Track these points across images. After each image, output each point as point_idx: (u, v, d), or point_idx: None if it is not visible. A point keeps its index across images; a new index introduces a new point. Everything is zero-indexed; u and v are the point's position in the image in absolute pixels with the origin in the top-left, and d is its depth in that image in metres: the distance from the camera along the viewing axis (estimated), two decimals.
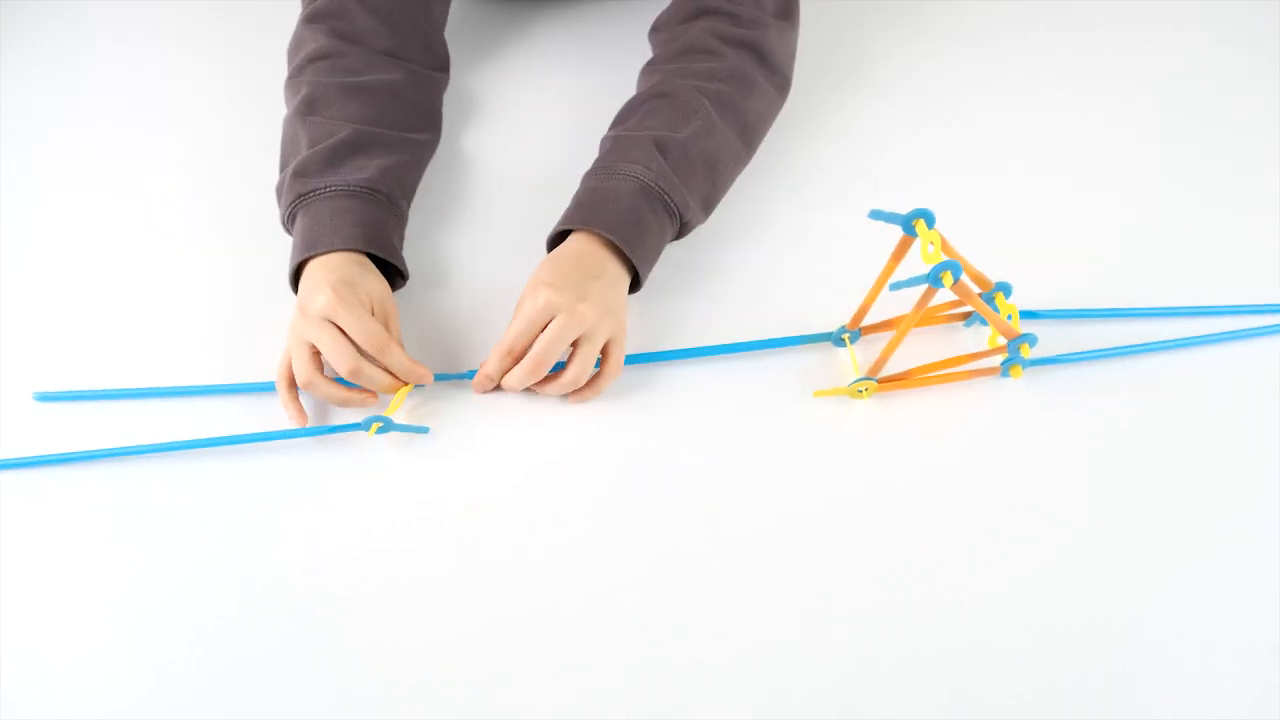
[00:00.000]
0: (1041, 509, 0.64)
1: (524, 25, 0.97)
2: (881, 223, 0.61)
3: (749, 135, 0.78)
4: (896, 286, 0.62)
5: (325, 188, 0.70)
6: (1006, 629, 0.59)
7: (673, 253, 0.75)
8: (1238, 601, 0.60)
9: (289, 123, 0.75)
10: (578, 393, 0.68)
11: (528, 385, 0.68)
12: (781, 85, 0.81)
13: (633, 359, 0.70)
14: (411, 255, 0.74)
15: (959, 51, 0.95)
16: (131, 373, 0.71)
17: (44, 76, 0.94)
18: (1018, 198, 0.82)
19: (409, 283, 0.74)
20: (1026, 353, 0.67)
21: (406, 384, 0.68)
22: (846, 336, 0.71)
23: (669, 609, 0.60)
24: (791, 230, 0.80)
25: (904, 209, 0.61)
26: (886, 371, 0.69)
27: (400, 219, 0.74)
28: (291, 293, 0.70)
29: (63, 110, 0.91)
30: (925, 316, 0.71)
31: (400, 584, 0.61)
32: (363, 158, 0.72)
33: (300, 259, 0.68)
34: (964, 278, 0.63)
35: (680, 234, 0.74)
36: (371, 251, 0.69)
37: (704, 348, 0.71)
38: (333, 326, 0.65)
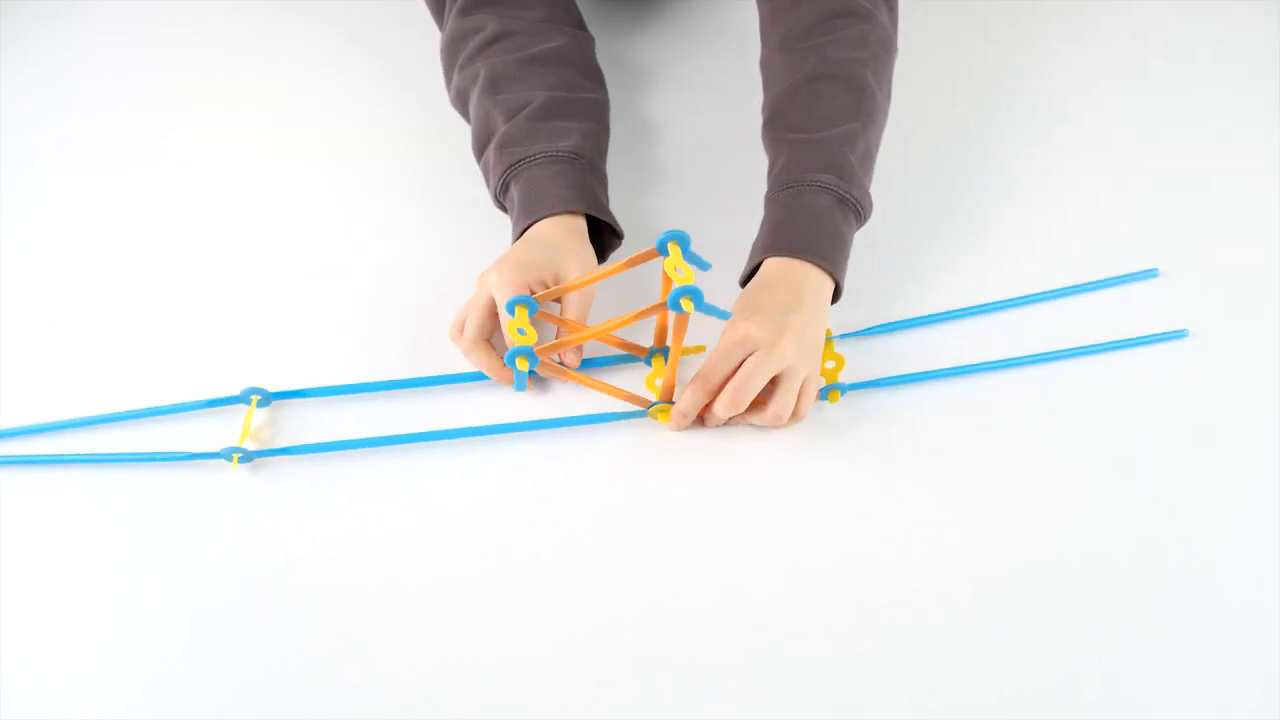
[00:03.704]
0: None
1: None
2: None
3: (889, 97, 0.76)
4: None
5: (535, 155, 0.72)
6: (975, 629, 0.60)
7: None
8: (1233, 602, 0.61)
9: (477, 105, 0.76)
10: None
11: (728, 419, 0.67)
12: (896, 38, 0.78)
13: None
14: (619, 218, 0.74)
15: None
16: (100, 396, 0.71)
17: (43, 78, 0.94)
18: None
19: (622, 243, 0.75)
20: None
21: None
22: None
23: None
24: None
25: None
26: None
27: (603, 181, 0.75)
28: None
29: (59, 111, 0.91)
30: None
31: (399, 583, 0.62)
32: (560, 122, 0.74)
33: (524, 226, 0.70)
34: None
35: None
36: (589, 212, 0.71)
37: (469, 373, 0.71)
38: (488, 298, 0.68)
